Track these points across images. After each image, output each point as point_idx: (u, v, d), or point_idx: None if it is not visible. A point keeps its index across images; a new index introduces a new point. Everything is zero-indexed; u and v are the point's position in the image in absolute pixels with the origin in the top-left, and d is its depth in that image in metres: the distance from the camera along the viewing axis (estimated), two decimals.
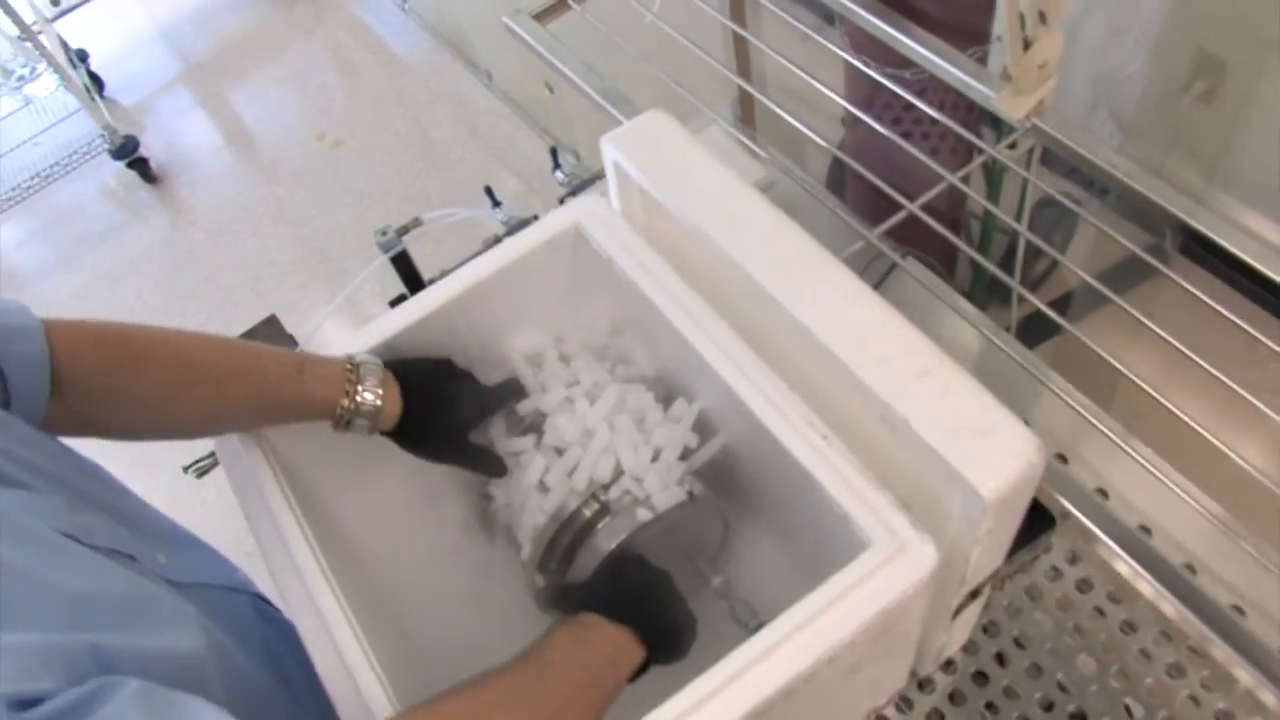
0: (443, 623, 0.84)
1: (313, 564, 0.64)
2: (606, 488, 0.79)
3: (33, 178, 2.78)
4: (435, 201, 2.61)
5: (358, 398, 0.71)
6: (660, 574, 0.73)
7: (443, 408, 0.76)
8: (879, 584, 0.59)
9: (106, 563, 0.55)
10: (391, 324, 0.76)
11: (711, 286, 0.72)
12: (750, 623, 0.77)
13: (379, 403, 0.72)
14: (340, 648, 0.60)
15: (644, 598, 0.68)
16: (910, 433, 0.57)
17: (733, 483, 0.82)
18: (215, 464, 0.93)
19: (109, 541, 0.57)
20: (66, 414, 0.63)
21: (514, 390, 0.83)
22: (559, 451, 0.82)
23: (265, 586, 0.75)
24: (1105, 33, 1.00)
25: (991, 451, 0.55)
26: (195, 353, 0.67)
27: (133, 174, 2.77)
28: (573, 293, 0.84)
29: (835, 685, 0.66)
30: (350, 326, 2.31)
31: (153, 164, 2.80)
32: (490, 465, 0.81)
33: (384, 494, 0.80)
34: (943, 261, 1.34)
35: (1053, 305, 1.24)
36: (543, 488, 0.80)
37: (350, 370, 0.71)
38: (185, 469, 0.97)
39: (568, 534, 0.79)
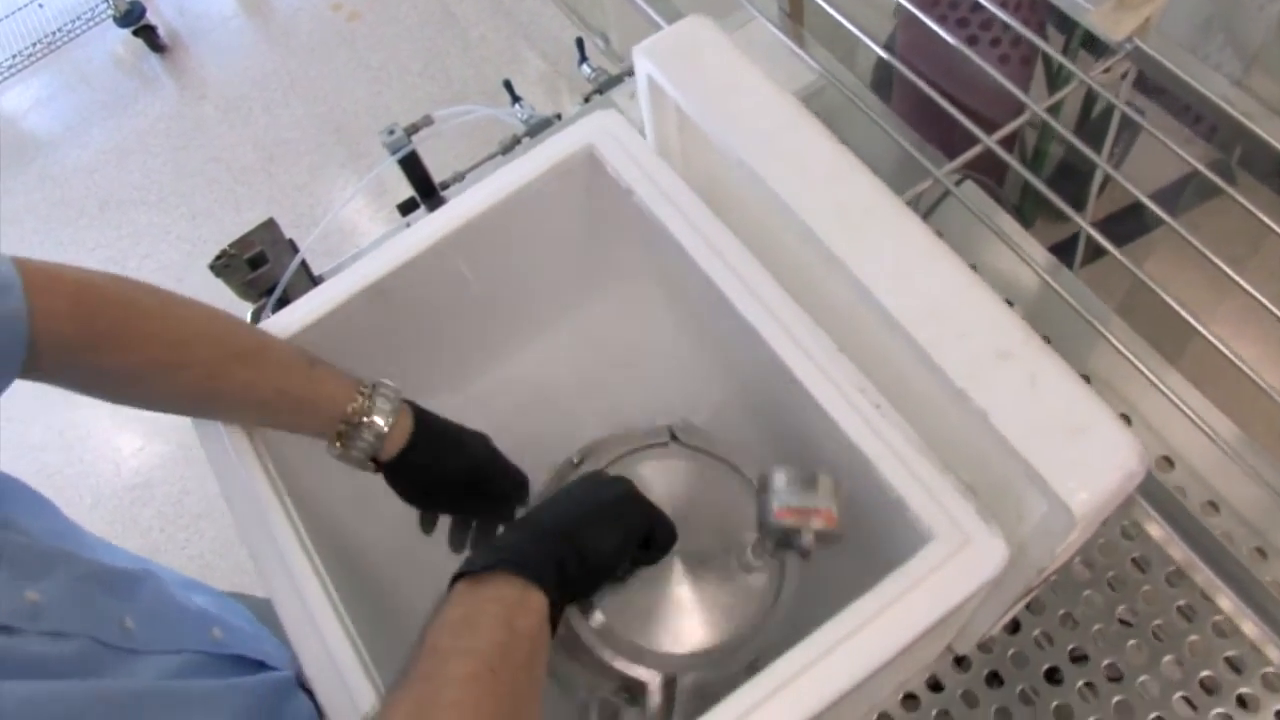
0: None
1: (295, 545, 0.57)
2: None
3: (35, 44, 2.64)
4: (454, 81, 2.48)
5: (372, 413, 0.61)
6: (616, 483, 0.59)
7: (453, 452, 0.66)
8: (940, 582, 0.52)
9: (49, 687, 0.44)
10: (377, 266, 0.66)
11: (753, 231, 0.63)
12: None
13: (387, 427, 0.62)
14: (324, 636, 0.54)
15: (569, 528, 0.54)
16: (988, 428, 0.48)
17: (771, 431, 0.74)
18: None
19: (61, 623, 0.48)
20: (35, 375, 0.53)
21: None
22: None
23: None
24: None
25: (1085, 457, 0.47)
26: (188, 330, 0.57)
27: (141, 41, 2.63)
28: (591, 228, 0.75)
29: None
30: (370, 211, 2.23)
31: (161, 32, 2.65)
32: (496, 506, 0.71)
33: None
34: (994, 173, 1.23)
35: (1116, 217, 1.12)
36: None
37: (362, 385, 0.63)
38: None
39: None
